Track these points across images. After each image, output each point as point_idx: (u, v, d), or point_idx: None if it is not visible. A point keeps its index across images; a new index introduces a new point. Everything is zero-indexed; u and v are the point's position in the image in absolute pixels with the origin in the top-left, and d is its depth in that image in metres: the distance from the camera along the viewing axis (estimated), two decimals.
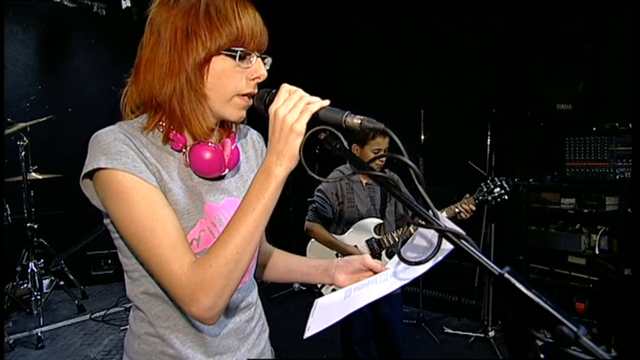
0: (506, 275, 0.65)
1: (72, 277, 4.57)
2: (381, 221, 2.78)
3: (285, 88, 0.87)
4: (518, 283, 0.64)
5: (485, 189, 2.59)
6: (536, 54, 3.58)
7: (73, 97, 5.29)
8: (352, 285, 1.07)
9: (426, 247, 0.93)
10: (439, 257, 0.86)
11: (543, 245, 3.37)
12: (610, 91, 3.33)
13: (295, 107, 0.83)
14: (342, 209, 2.80)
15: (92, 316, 4.21)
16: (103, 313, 4.23)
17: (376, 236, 2.74)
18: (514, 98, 3.87)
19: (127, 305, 4.35)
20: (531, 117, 3.68)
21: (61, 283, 4.37)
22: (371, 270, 1.10)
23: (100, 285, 4.94)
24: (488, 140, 3.91)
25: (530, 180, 3.42)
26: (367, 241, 2.73)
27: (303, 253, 2.83)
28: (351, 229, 2.78)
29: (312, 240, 2.88)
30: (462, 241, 0.73)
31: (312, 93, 0.87)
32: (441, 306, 4.39)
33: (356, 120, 0.81)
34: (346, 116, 0.82)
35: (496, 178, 2.60)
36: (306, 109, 0.83)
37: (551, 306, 0.61)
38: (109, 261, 4.97)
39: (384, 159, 2.69)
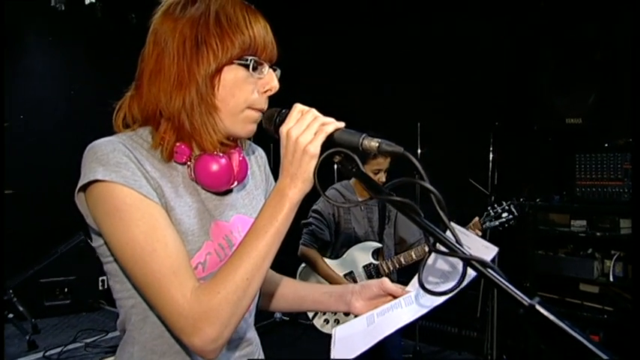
0: (537, 306, 0.71)
1: (22, 309, 4.48)
2: (379, 245, 2.84)
3: (298, 107, 0.91)
4: (549, 314, 0.70)
5: (492, 213, 2.68)
6: (544, 63, 3.64)
7: (25, 103, 5.24)
8: (373, 311, 1.08)
9: (446, 272, 0.99)
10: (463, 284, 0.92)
11: (552, 271, 3.41)
12: (623, 104, 3.37)
13: (309, 128, 0.88)
14: (338, 230, 2.86)
15: (46, 354, 4.12)
16: (59, 350, 4.14)
17: (374, 262, 2.79)
18: (519, 110, 3.93)
19: (87, 341, 4.29)
20: (538, 131, 3.73)
21: (10, 315, 4.29)
22: (390, 294, 1.13)
23: (54, 317, 4.82)
24: (491, 155, 3.96)
25: (537, 200, 3.46)
26: (365, 267, 2.78)
27: (294, 274, 2.87)
28: (347, 253, 2.83)
29: (303, 265, 2.92)
30: (488, 269, 0.79)
31: (306, 105, 0.93)
32: (439, 338, 4.43)
33: (374, 143, 0.86)
34: (363, 138, 0.87)
35: (504, 202, 2.67)
36: (321, 130, 0.88)
37: (584, 337, 0.67)
38: (65, 289, 4.86)
39: (383, 178, 2.77)
